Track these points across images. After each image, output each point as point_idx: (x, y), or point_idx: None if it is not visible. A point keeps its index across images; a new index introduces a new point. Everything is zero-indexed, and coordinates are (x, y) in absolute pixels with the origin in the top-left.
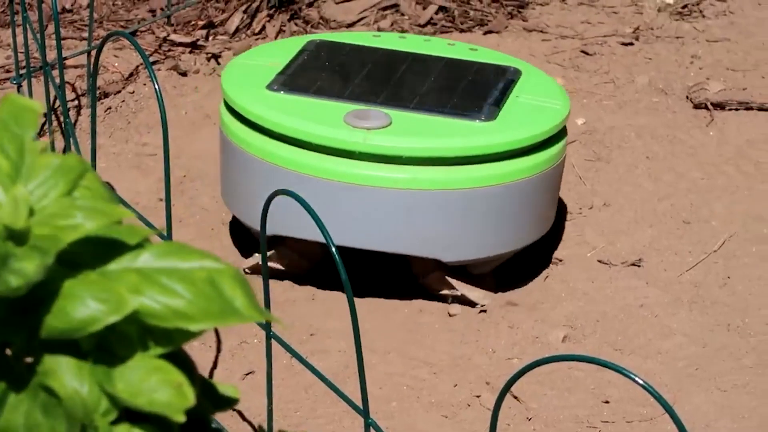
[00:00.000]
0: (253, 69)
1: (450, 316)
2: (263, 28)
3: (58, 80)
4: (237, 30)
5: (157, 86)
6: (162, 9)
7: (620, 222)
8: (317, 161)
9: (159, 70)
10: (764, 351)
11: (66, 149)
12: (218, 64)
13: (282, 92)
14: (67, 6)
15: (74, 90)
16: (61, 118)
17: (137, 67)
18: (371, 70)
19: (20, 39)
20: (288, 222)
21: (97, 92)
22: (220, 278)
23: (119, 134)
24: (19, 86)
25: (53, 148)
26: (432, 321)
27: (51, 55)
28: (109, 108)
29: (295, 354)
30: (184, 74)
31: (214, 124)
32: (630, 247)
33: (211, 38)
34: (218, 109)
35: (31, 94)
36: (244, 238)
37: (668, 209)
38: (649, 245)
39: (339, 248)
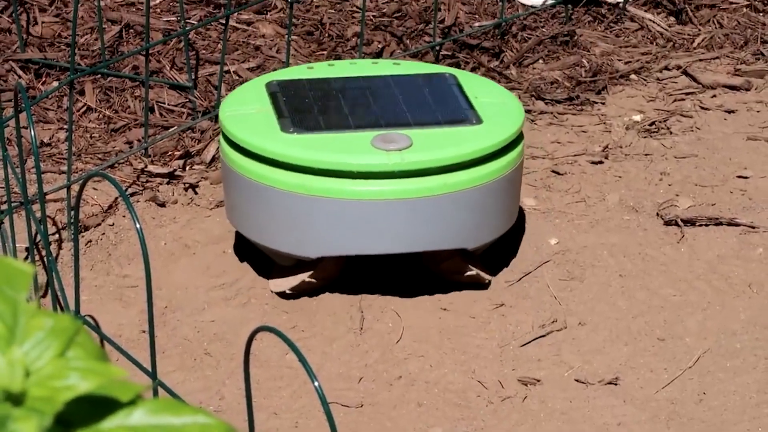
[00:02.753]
0: (250, 118)
1: None
2: None
3: (38, 214)
4: (213, 159)
5: (138, 225)
6: (139, 140)
7: (596, 341)
8: (355, 186)
9: (137, 201)
10: None
11: (48, 284)
12: (195, 193)
13: (298, 134)
14: (45, 140)
15: (54, 224)
16: (43, 253)
17: (116, 199)
18: (346, 98)
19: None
20: (331, 242)
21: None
22: None
23: (100, 267)
24: (0, 223)
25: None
26: None
27: (30, 189)
28: (90, 241)
29: None
30: (162, 205)
31: (194, 254)
32: (606, 365)
33: (188, 168)
34: (227, 158)
35: (12, 230)
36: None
37: (643, 327)
38: (625, 363)
39: (378, 256)
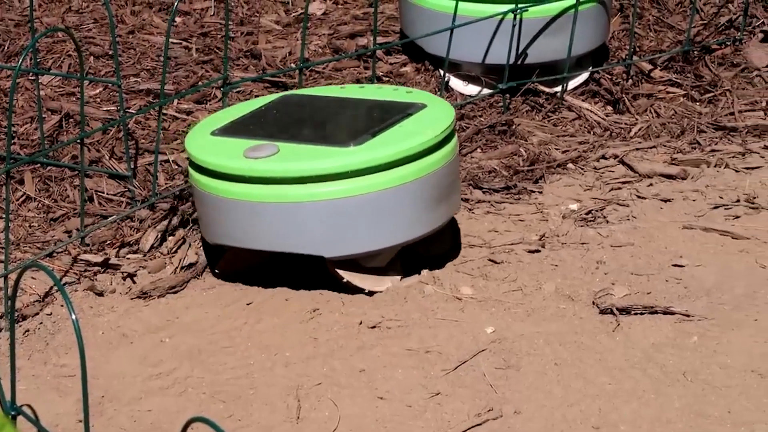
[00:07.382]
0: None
1: None
2: (179, 246)
3: None
4: (152, 248)
5: (74, 317)
6: (77, 230)
7: (531, 429)
8: (218, 184)
9: (75, 291)
10: None
11: None
12: (134, 282)
13: (218, 135)
14: None
15: None
16: None
17: (51, 288)
18: (284, 113)
19: None
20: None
21: (15, 315)
22: None
23: (38, 356)
24: None
25: None
26: None
27: None
28: (28, 330)
29: None
30: (100, 294)
31: (131, 344)
32: None
33: (126, 257)
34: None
35: None
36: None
37: (578, 415)
38: None
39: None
